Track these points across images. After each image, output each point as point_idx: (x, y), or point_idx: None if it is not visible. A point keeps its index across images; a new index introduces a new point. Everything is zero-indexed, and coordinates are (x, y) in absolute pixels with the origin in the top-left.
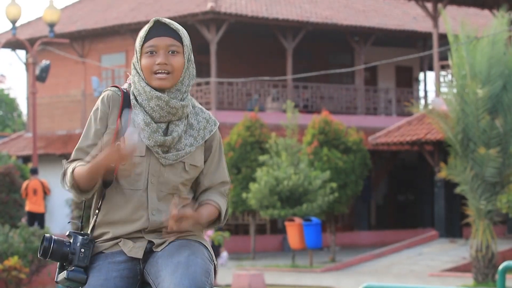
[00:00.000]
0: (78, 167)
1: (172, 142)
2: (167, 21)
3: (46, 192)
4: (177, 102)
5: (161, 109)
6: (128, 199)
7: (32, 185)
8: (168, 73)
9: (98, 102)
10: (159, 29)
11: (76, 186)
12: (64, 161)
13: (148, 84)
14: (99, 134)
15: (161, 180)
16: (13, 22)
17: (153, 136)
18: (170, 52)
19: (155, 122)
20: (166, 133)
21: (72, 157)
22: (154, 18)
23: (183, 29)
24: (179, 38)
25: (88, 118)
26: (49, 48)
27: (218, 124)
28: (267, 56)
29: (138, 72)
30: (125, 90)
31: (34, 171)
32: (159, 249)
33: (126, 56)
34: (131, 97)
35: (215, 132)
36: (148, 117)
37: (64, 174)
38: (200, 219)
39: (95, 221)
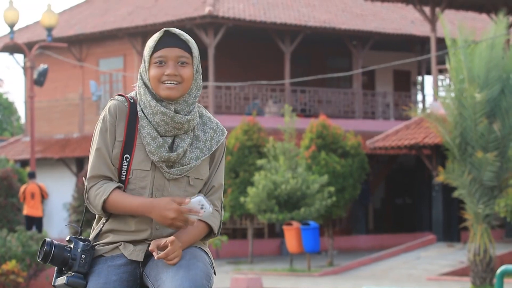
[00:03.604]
0: (116, 197)
1: (177, 158)
2: (177, 31)
3: (44, 196)
4: (183, 117)
5: (166, 124)
6: None
7: (29, 189)
8: (177, 83)
9: (106, 112)
10: (169, 39)
11: (106, 209)
12: (85, 180)
13: (153, 98)
14: (111, 147)
15: (165, 194)
16: (11, 26)
17: (159, 152)
18: (180, 63)
19: (161, 136)
20: (172, 147)
21: (92, 172)
22: (164, 28)
23: (192, 40)
24: (188, 49)
25: (98, 129)
26: (47, 52)
27: (226, 133)
28: (265, 60)
29: (144, 83)
30: (131, 100)
31: (32, 175)
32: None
33: (124, 60)
34: (138, 108)
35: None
36: (154, 131)
37: (87, 193)
38: (183, 245)
39: (100, 229)
